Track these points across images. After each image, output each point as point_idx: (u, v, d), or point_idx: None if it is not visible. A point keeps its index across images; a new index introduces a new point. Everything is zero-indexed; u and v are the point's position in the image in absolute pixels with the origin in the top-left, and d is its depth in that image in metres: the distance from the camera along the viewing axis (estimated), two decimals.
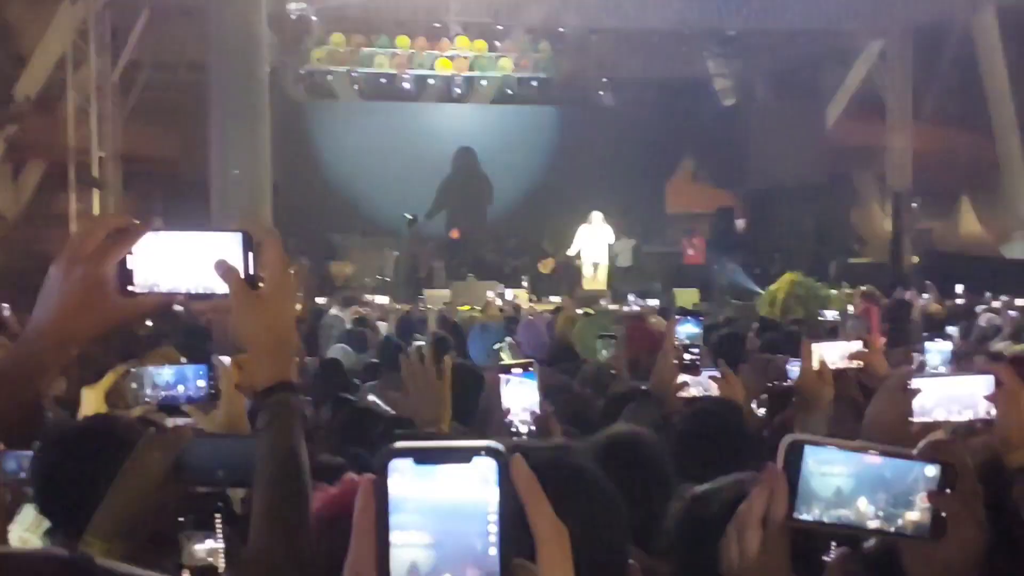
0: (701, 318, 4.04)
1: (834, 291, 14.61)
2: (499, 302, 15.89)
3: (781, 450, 1.42)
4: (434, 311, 14.86)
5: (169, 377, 3.19)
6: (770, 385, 4.29)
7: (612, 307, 15.65)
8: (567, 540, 1.03)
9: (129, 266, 1.70)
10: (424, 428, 3.36)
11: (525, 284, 20.90)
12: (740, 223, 24.01)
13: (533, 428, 3.26)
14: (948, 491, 1.43)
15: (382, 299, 17.43)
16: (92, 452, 2.59)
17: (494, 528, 0.98)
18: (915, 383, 2.46)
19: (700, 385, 3.96)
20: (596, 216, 20.83)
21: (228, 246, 1.74)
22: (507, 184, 24.58)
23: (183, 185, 20.59)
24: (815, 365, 3.49)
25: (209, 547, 2.32)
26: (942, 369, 3.88)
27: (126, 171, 20.06)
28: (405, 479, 0.99)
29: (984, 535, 1.46)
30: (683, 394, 3.77)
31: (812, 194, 22.75)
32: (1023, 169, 22.15)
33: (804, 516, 1.42)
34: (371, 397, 4.97)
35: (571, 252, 21.28)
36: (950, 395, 2.46)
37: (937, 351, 3.89)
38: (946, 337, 4.02)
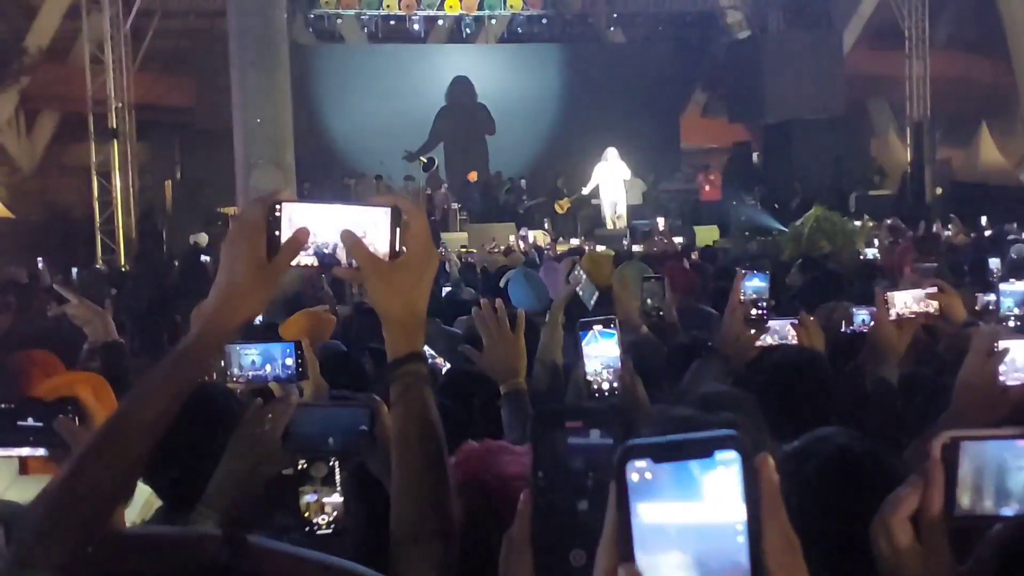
0: (766, 272, 3.94)
1: (857, 223, 14.53)
2: (521, 244, 15.86)
3: (937, 448, 1.37)
4: (452, 254, 14.85)
5: (256, 356, 3.15)
6: (845, 332, 4.25)
7: (636, 248, 15.60)
8: (800, 553, 0.98)
9: (298, 235, 1.70)
10: (504, 382, 3.36)
11: (547, 226, 20.83)
12: (755, 156, 23.90)
13: (616, 386, 3.24)
14: None
15: None
16: (194, 423, 2.59)
17: (743, 535, 0.92)
18: (1003, 343, 2.42)
19: (776, 334, 3.93)
20: (611, 152, 20.66)
21: (376, 220, 1.74)
22: (519, 124, 24.45)
23: (198, 134, 20.52)
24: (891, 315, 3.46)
25: (334, 501, 2.34)
26: (1016, 311, 3.85)
27: (140, 120, 19.96)
28: (643, 485, 0.92)
29: None
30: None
31: (829, 126, 22.56)
32: None
33: (964, 510, 1.38)
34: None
35: (587, 191, 21.18)
36: None
37: (1010, 292, 3.81)
38: (1020, 277, 3.93)
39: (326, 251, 1.74)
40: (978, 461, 1.35)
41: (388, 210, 1.74)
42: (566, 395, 3.71)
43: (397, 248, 1.75)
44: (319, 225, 1.73)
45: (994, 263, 7.91)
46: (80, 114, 19.21)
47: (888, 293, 3.53)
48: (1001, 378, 2.39)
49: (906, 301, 3.47)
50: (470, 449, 2.05)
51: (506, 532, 1.31)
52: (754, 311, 3.82)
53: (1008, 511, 1.36)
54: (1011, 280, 3.92)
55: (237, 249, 1.70)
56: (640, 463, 0.92)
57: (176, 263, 14.72)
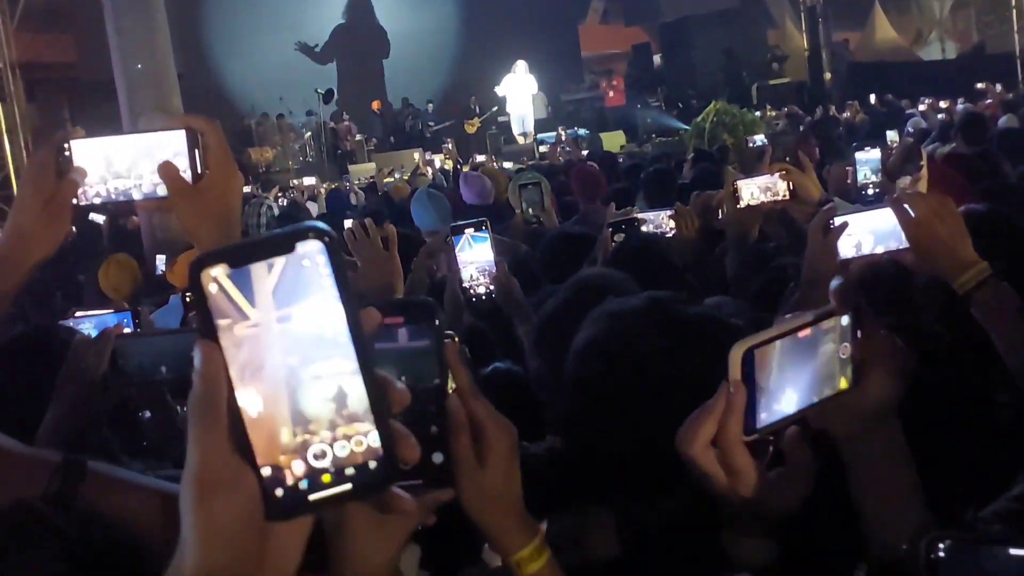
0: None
1: (758, 113, 14.61)
2: (429, 170, 15.73)
3: (736, 359, 1.29)
4: (360, 185, 14.69)
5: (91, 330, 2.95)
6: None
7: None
8: None
9: (73, 176, 1.66)
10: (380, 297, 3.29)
11: (449, 146, 20.69)
12: (656, 58, 23.86)
13: (491, 288, 3.23)
14: (859, 335, 1.36)
15: (309, 180, 17.20)
16: (28, 364, 2.51)
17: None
18: (839, 220, 2.41)
19: (651, 223, 3.97)
20: (520, 65, 20.60)
21: (172, 145, 1.69)
22: (423, 48, 24.15)
23: (85, 88, 19.99)
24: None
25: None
26: (874, 178, 3.87)
27: (26, 80, 19.34)
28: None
29: (898, 380, 1.38)
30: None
31: (725, 20, 22.60)
32: None
33: (763, 423, 1.32)
34: None
35: (496, 107, 21.08)
36: (875, 227, 2.41)
37: (866, 160, 3.83)
38: (873, 145, 3.93)
39: (120, 188, 1.70)
40: (771, 364, 1.30)
41: (183, 132, 1.69)
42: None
43: (199, 170, 1.70)
44: (115, 158, 1.69)
45: (891, 134, 8.00)
46: None
47: (737, 182, 3.51)
48: (852, 252, 2.39)
49: (752, 191, 3.43)
50: None
51: None
52: None
53: (799, 407, 1.32)
54: (866, 148, 3.92)
55: (24, 191, 1.69)
56: (215, 269, 0.81)
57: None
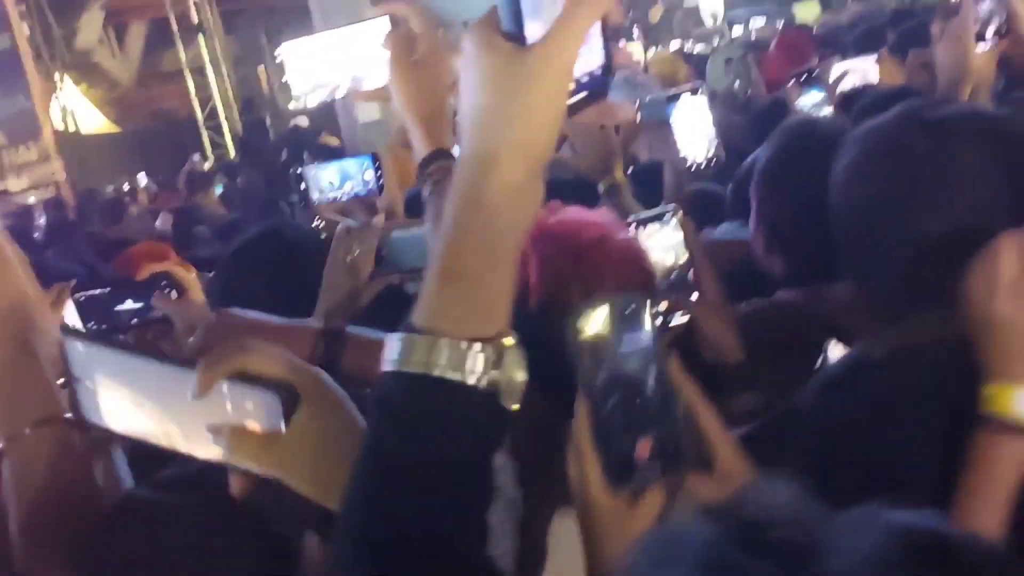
0: None
1: None
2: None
3: None
4: None
5: (334, 176, 3.06)
6: None
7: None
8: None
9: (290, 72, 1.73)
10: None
11: (635, 35, 20.26)
12: None
13: (711, 156, 3.16)
14: None
15: None
16: (266, 259, 2.57)
17: None
18: None
19: (857, 73, 3.81)
20: None
21: (377, 32, 1.73)
22: None
23: (281, 14, 20.49)
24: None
25: None
26: None
27: (224, 12, 20.02)
28: None
29: None
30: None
31: None
32: None
33: None
34: None
35: None
36: None
37: None
38: None
39: (335, 83, 1.76)
40: None
41: (386, 19, 1.74)
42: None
43: None
44: (323, 57, 1.75)
45: None
46: (167, 18, 19.35)
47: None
48: None
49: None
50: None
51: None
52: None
53: None
54: None
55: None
56: None
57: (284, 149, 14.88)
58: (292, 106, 2.07)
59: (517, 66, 0.95)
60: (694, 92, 3.15)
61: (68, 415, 1.45)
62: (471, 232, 0.97)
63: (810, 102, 3.94)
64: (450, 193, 0.99)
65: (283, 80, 1.73)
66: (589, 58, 0.98)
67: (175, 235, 7.50)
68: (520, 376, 0.97)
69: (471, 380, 0.94)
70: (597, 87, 0.99)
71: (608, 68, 0.96)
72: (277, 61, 1.79)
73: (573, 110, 0.95)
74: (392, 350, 0.97)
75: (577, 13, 0.93)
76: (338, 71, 1.65)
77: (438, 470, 0.95)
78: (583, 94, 0.97)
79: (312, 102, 1.77)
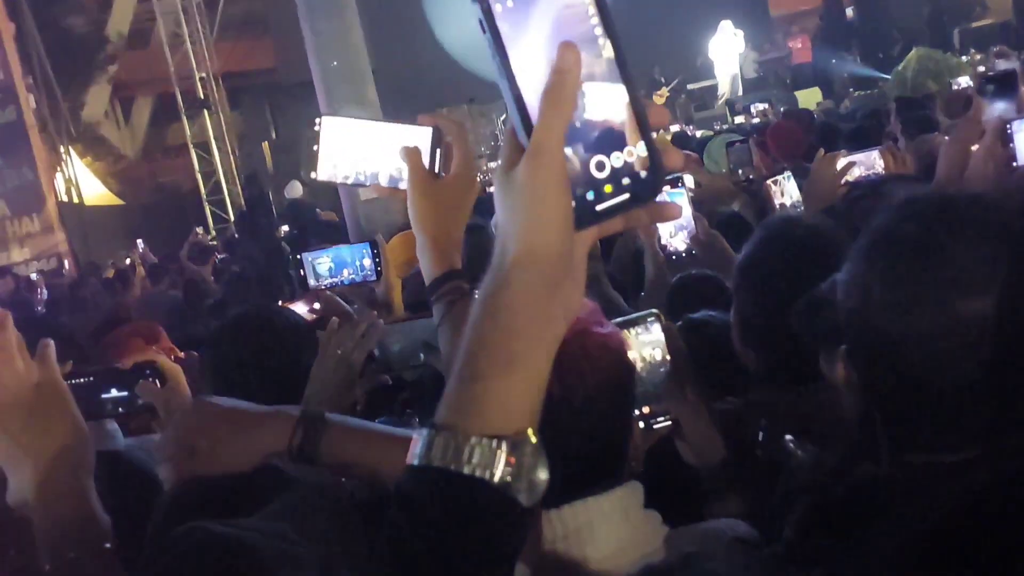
0: None
1: (964, 58, 13.90)
2: None
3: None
4: None
5: (330, 263, 3.07)
6: None
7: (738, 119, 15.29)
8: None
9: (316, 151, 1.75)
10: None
11: None
12: (849, 11, 23.03)
13: (694, 252, 3.18)
14: None
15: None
16: (249, 342, 2.57)
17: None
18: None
19: (862, 164, 3.82)
20: (726, 25, 20.23)
21: (418, 140, 1.73)
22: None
23: (285, 91, 20.73)
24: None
25: None
26: None
27: (229, 89, 20.26)
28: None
29: None
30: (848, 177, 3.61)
31: None
32: None
33: None
34: None
35: (680, 77, 20.76)
36: None
37: None
38: None
39: (366, 171, 1.78)
40: None
41: (430, 130, 1.75)
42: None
43: (437, 169, 1.76)
44: (359, 142, 1.76)
45: None
46: (173, 93, 19.58)
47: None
48: None
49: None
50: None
51: None
52: None
53: None
54: None
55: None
56: None
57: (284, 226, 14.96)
58: (314, 176, 2.10)
59: (513, 177, 0.98)
60: (673, 184, 3.17)
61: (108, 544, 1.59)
62: (486, 336, 1.00)
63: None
64: (474, 302, 1.03)
65: (314, 148, 1.74)
66: (628, 159, 0.97)
67: (186, 305, 7.53)
68: (542, 475, 0.99)
69: (483, 474, 0.97)
70: (640, 189, 0.98)
71: (657, 167, 0.95)
72: (316, 129, 1.82)
73: (609, 213, 0.97)
74: (415, 445, 1.02)
75: (550, 114, 0.96)
76: (370, 161, 1.65)
77: (455, 562, 0.99)
78: (624, 196, 0.97)
79: (335, 179, 1.78)
